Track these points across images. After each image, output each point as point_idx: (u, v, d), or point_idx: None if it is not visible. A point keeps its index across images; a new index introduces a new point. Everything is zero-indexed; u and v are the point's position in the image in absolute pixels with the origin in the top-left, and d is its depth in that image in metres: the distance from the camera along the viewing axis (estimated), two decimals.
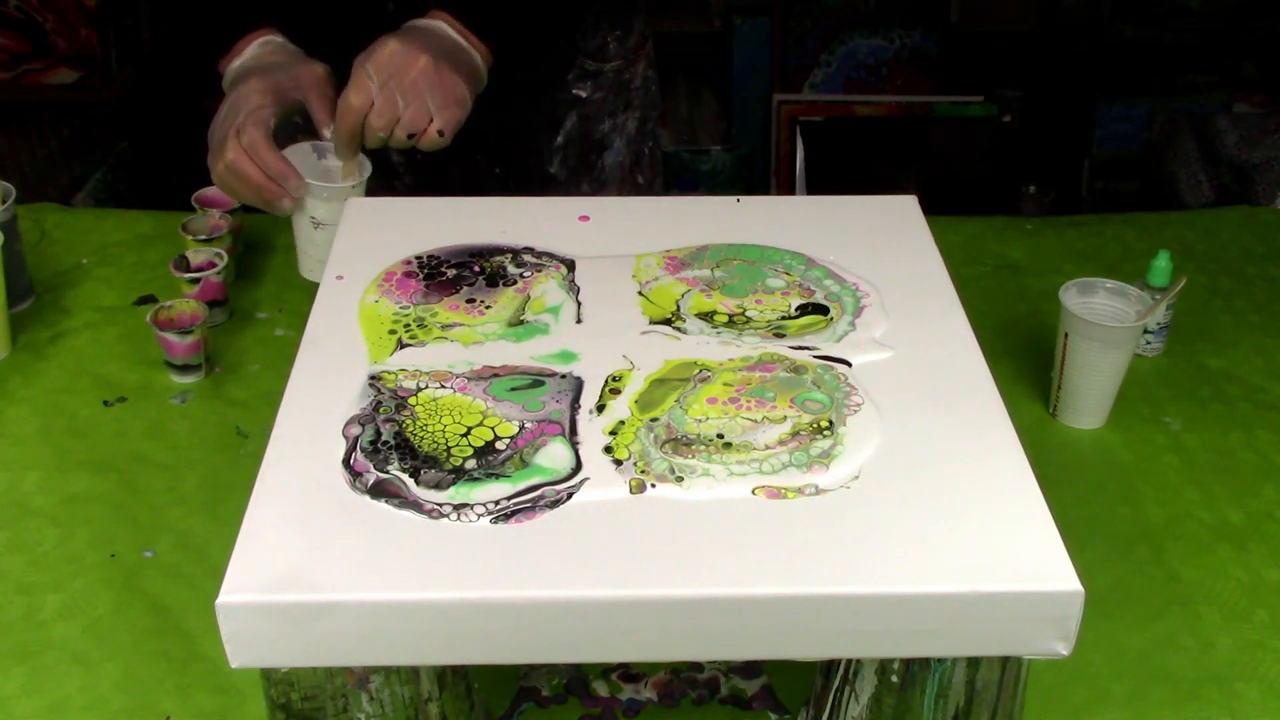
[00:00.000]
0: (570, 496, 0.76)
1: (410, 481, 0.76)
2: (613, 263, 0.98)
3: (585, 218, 1.04)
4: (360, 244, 1.00)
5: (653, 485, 0.77)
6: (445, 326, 0.91)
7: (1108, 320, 1.17)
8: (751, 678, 0.96)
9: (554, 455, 0.79)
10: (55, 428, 1.18)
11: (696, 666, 0.96)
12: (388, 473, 0.77)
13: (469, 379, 0.86)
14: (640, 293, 0.95)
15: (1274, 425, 1.21)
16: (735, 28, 2.71)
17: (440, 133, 1.09)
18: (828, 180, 2.57)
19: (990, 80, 2.72)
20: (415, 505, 0.75)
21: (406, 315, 0.92)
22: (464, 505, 0.75)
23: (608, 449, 0.79)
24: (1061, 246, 1.48)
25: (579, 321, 0.92)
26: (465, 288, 0.95)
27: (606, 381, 0.85)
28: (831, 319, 0.92)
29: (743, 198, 1.07)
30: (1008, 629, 0.71)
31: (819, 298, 0.95)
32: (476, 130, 1.15)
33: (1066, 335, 1.17)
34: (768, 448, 0.80)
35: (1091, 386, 1.18)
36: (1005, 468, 0.78)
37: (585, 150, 1.40)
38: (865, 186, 1.43)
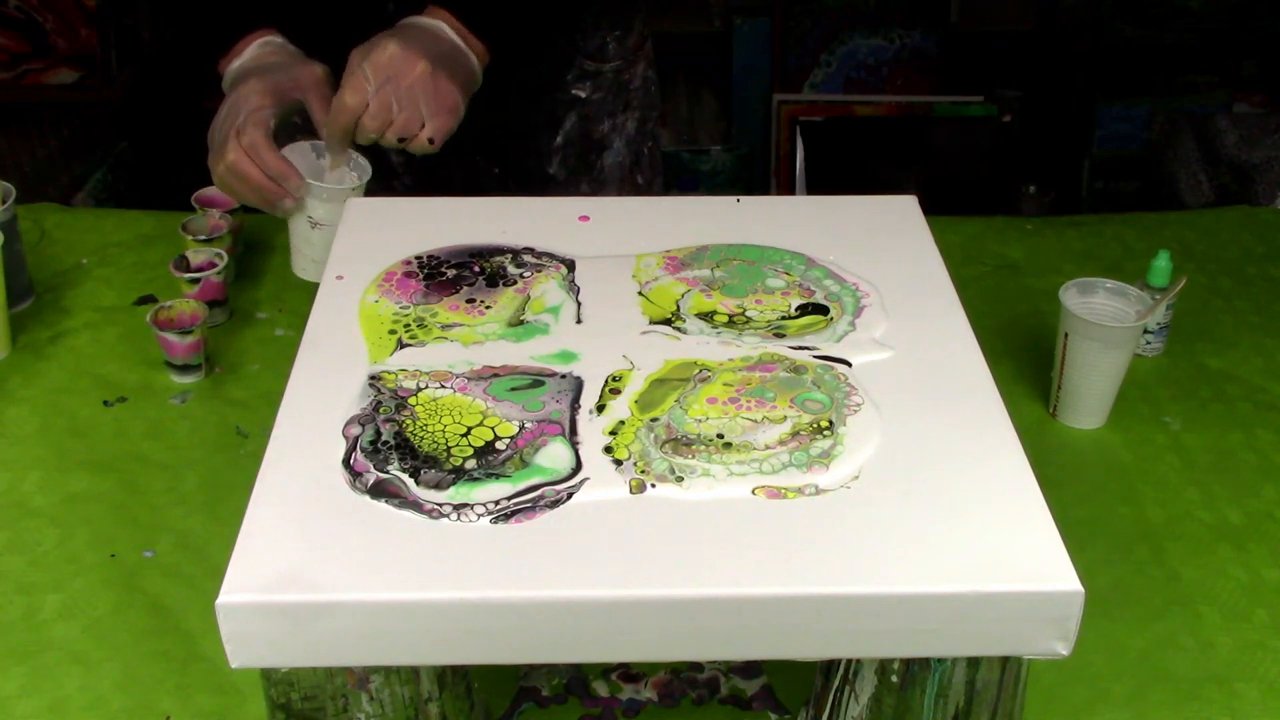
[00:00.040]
0: (570, 496, 0.76)
1: (410, 481, 0.76)
2: (613, 263, 0.98)
3: (585, 218, 1.04)
4: (360, 244, 1.00)
5: (653, 485, 0.77)
6: (445, 326, 0.91)
7: (1108, 320, 1.17)
8: (751, 678, 0.96)
9: (554, 455, 0.79)
10: (55, 428, 1.18)
11: (696, 666, 0.96)
12: (388, 473, 0.77)
13: (469, 379, 0.86)
14: (640, 293, 0.95)
15: (1274, 425, 1.21)
16: (735, 28, 2.71)
17: (431, 140, 1.10)
18: (828, 180, 2.56)
19: (990, 80, 2.72)
20: (415, 505, 0.75)
21: (406, 315, 0.92)
22: (464, 505, 0.75)
23: (608, 449, 0.79)
24: (1061, 246, 1.48)
25: (579, 321, 0.92)
26: (465, 288, 0.95)
27: (606, 381, 0.85)
28: (831, 319, 0.92)
29: (742, 198, 1.07)
30: (1008, 629, 0.71)
31: (819, 298, 0.95)
32: (476, 130, 1.16)
33: (1066, 335, 1.17)
34: (768, 448, 0.80)
35: (1091, 386, 1.18)
36: (1005, 468, 0.78)
37: (585, 150, 1.40)
38: (865, 186, 1.42)
